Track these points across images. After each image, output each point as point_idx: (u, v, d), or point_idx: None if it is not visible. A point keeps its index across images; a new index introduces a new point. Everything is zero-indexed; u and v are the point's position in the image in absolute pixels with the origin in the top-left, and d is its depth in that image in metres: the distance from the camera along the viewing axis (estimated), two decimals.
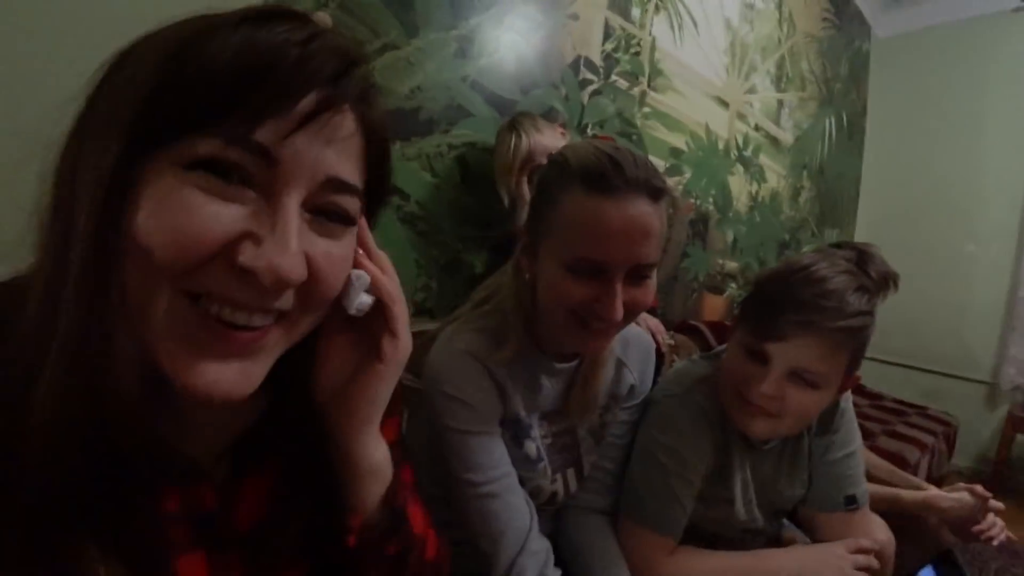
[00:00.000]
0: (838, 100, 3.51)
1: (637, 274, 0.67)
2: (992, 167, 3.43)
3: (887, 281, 1.38)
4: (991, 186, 3.43)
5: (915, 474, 2.07)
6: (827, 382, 0.77)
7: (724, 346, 0.89)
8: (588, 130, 1.76)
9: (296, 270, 0.33)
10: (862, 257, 1.35)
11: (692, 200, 2.30)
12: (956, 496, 1.18)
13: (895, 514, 1.21)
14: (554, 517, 0.90)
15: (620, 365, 0.90)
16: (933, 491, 1.24)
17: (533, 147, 1.33)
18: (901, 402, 3.08)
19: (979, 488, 1.16)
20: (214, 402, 0.33)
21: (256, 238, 0.32)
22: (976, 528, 1.13)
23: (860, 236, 3.83)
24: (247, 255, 0.31)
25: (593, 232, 0.64)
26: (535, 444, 0.81)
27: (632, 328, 0.95)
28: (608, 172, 0.64)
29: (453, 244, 1.47)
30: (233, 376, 0.34)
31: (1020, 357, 3.26)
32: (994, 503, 1.12)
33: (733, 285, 2.74)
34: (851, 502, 0.90)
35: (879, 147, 3.90)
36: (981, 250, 3.47)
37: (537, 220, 0.72)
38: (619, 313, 0.66)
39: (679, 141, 2.18)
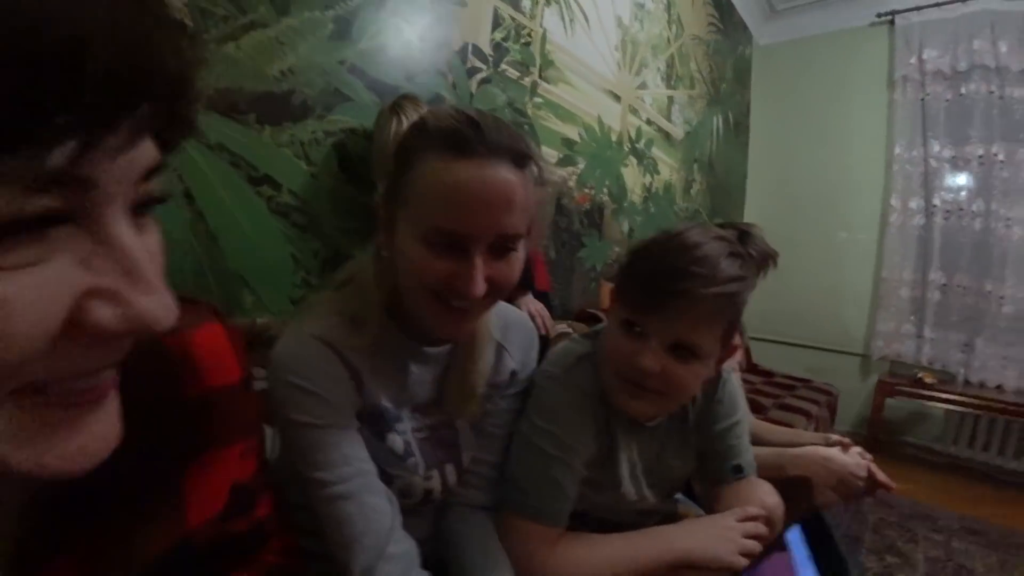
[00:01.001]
0: (725, 100, 3.65)
1: (500, 246, 0.61)
2: (857, 162, 3.73)
3: (766, 259, 1.39)
4: (858, 180, 3.73)
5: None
6: (707, 352, 0.73)
7: (603, 324, 0.84)
8: None
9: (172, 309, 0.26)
10: (743, 236, 1.36)
11: (587, 190, 2.28)
12: (837, 454, 1.20)
13: (782, 476, 1.24)
14: (434, 517, 0.81)
15: (500, 350, 0.83)
16: (819, 447, 1.26)
17: None
18: (789, 377, 3.28)
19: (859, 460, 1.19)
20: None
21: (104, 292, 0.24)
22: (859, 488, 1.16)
23: None
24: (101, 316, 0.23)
25: (449, 199, 0.58)
26: (402, 438, 0.72)
27: (513, 311, 0.88)
28: (466, 133, 0.58)
29: (335, 237, 1.35)
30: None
31: (885, 331, 3.53)
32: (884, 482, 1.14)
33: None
34: (738, 471, 0.87)
35: (762, 145, 4.12)
36: (851, 237, 3.77)
37: (394, 191, 0.64)
38: (479, 288, 0.59)
39: (572, 132, 2.15)
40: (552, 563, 0.73)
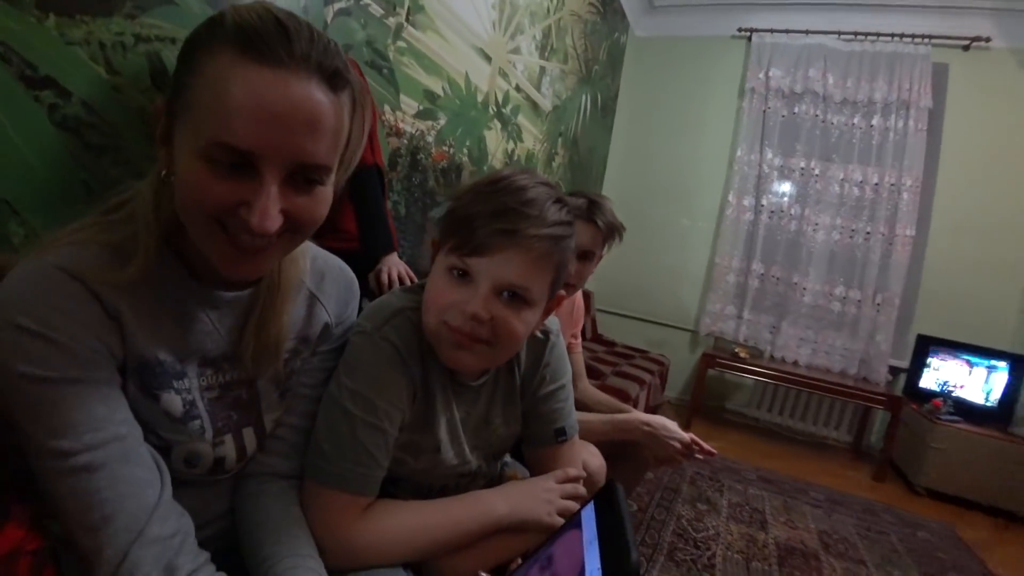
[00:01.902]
0: (595, 81, 3.70)
1: (303, 177, 0.52)
2: (705, 159, 4.04)
3: (613, 231, 1.42)
4: (703, 174, 4.05)
5: (635, 405, 2.29)
6: (536, 298, 0.69)
7: (427, 279, 0.77)
8: None
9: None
10: (592, 205, 1.37)
11: (445, 148, 2.18)
12: (656, 421, 1.27)
13: (607, 440, 1.28)
14: (232, 490, 0.70)
15: (313, 300, 0.73)
16: (637, 414, 1.32)
17: None
18: (629, 347, 3.51)
19: (677, 430, 1.27)
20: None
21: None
22: (672, 458, 1.24)
23: None
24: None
25: (239, 109, 0.47)
26: (182, 397, 0.59)
27: (333, 259, 0.78)
28: (271, 35, 0.48)
29: (140, 164, 1.13)
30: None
31: (713, 310, 3.90)
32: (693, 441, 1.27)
33: None
34: (561, 434, 0.86)
35: (625, 130, 4.29)
36: (692, 225, 4.11)
37: (175, 94, 0.52)
38: (271, 222, 0.50)
39: (436, 85, 2.02)
40: (358, 535, 0.66)
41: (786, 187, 3.78)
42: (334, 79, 0.51)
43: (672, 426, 1.29)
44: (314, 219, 0.55)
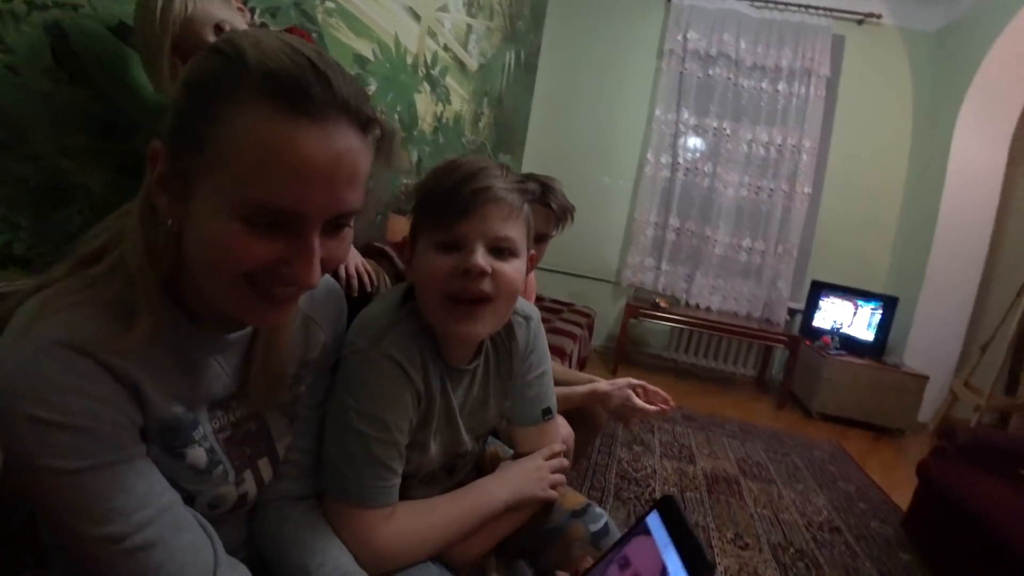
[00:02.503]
0: (519, 37, 3.59)
1: (335, 223, 0.49)
2: (625, 117, 4.09)
3: (566, 213, 1.43)
4: (623, 133, 4.11)
5: (571, 358, 2.35)
6: (520, 248, 0.74)
7: (403, 284, 0.79)
8: (255, 16, 1.33)
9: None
10: (546, 189, 1.35)
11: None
12: (616, 383, 1.31)
13: (572, 408, 1.32)
14: (249, 517, 0.68)
15: (309, 323, 0.69)
16: (599, 382, 1.36)
17: (195, 13, 0.93)
18: (556, 301, 3.58)
19: (634, 380, 1.31)
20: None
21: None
22: (634, 413, 1.28)
23: (527, 163, 4.24)
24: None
25: (283, 171, 0.43)
26: (204, 448, 0.55)
27: None
28: (311, 84, 0.43)
29: (52, 160, 0.97)
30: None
31: (633, 263, 4.05)
32: (648, 386, 1.31)
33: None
34: (547, 413, 0.91)
35: (547, 87, 4.22)
36: (613, 182, 4.17)
37: (189, 142, 0.45)
38: (317, 275, 0.48)
39: (366, 49, 1.88)
40: (385, 544, 0.68)
41: (700, 146, 3.93)
42: (365, 123, 0.48)
43: (627, 394, 1.33)
44: (341, 260, 0.53)
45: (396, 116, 2.20)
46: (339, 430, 0.70)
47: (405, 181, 2.43)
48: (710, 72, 3.83)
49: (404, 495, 0.73)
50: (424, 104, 2.44)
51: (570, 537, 0.86)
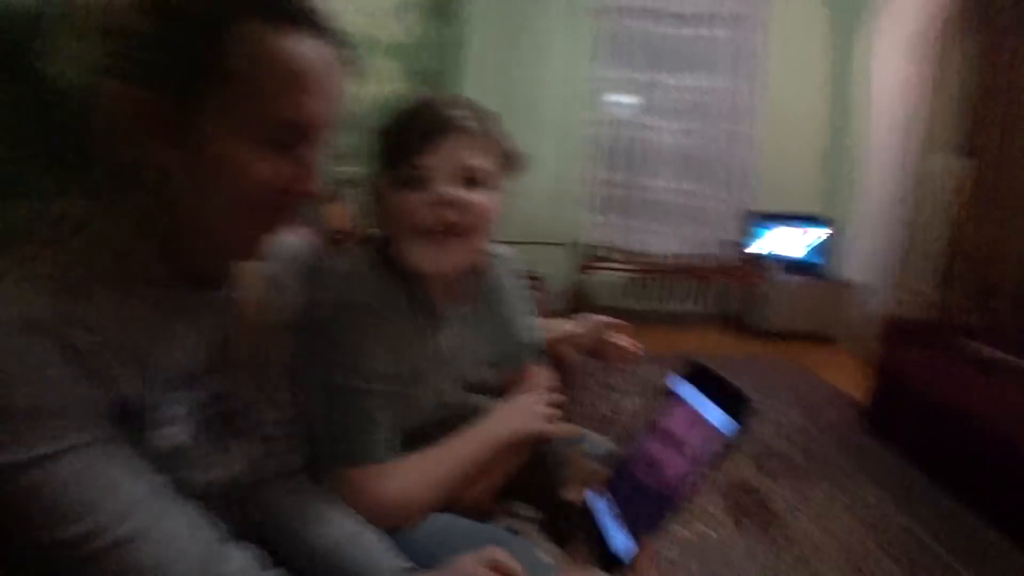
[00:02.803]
0: (446, 11, 3.50)
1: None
2: (560, 77, 4.03)
3: (514, 157, 1.42)
4: (559, 92, 4.05)
5: None
6: (491, 179, 0.72)
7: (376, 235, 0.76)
8: None
9: None
10: None
11: None
12: (585, 325, 1.29)
13: (552, 351, 1.33)
14: (247, 504, 0.62)
15: (276, 285, 0.65)
16: (567, 324, 1.36)
17: None
18: None
19: (602, 317, 1.31)
20: None
21: None
22: (611, 348, 1.29)
23: None
24: None
25: (297, 81, 0.45)
26: (180, 429, 0.50)
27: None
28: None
29: None
30: None
31: (582, 221, 4.10)
32: (617, 322, 1.25)
33: (354, 191, 2.55)
34: (533, 351, 0.92)
35: (479, 57, 4.09)
36: (553, 144, 4.11)
37: (183, 75, 0.43)
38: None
39: None
40: (397, 500, 0.66)
41: (636, 98, 3.99)
42: (338, 36, 0.49)
43: (600, 333, 1.34)
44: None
45: None
46: (330, 391, 0.67)
47: (338, 169, 2.36)
48: (642, 24, 3.90)
49: (400, 453, 0.71)
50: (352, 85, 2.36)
51: (574, 463, 0.87)
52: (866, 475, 1.86)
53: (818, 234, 3.72)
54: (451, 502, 0.72)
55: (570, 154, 4.12)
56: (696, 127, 3.96)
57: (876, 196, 3.66)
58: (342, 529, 0.60)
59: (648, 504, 0.47)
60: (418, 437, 0.77)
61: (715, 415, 0.45)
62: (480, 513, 0.78)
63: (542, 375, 0.92)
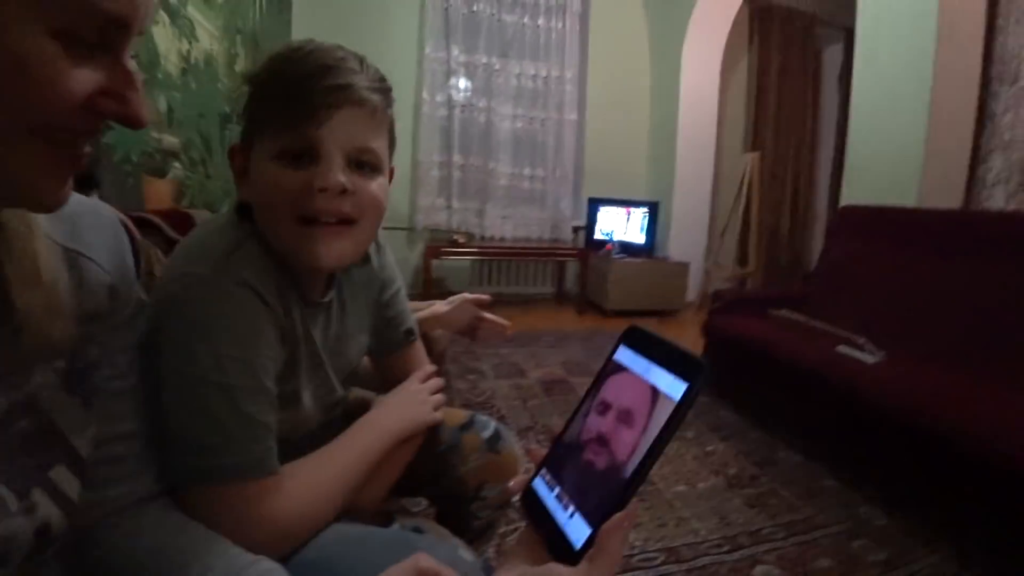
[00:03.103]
0: None
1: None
2: (394, 57, 3.88)
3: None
4: (394, 73, 3.35)
5: None
6: (382, 164, 0.63)
7: (234, 202, 0.62)
8: None
9: None
10: None
11: None
12: (453, 301, 1.24)
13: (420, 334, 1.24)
14: (81, 555, 0.46)
15: (74, 258, 0.44)
16: (437, 304, 1.29)
17: None
18: None
19: (470, 295, 1.24)
20: None
21: None
22: (482, 324, 1.25)
23: None
24: None
25: None
26: None
27: (77, 198, 0.46)
28: None
29: None
30: None
31: (425, 205, 4.03)
32: (484, 298, 1.22)
33: (177, 164, 2.19)
34: (410, 334, 0.84)
35: (306, 27, 3.78)
36: (399, 129, 3.98)
37: None
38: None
39: None
40: (282, 516, 0.54)
41: (473, 82, 3.99)
42: None
43: (469, 314, 1.30)
44: None
45: (132, 54, 1.76)
46: (190, 391, 0.52)
47: (156, 135, 1.99)
48: (474, 8, 3.89)
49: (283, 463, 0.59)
50: (165, 40, 1.99)
51: (465, 450, 0.84)
52: (708, 428, 2.06)
53: (647, 217, 4.06)
54: (345, 508, 0.62)
55: (410, 136, 4.01)
56: (533, 113, 4.10)
57: (689, 184, 4.19)
58: (229, 567, 0.45)
59: (599, 484, 0.42)
60: (300, 441, 0.65)
61: (662, 379, 0.41)
62: (377, 515, 0.70)
63: (423, 359, 0.86)
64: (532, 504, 0.45)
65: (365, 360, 0.85)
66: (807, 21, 4.59)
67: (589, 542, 0.39)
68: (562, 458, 0.46)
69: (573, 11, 4.04)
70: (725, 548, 1.36)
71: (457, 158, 3.99)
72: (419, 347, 0.86)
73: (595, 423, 0.45)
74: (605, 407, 0.45)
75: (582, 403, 0.48)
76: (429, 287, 3.69)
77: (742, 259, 4.14)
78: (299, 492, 0.56)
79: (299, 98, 0.55)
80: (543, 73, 4.05)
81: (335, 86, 0.56)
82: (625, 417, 0.43)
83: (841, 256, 2.43)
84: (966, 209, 2.39)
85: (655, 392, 0.41)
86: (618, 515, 0.39)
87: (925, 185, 2.36)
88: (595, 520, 0.39)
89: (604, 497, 0.40)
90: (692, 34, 4.00)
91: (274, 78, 0.57)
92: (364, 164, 0.59)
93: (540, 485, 0.45)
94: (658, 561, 1.29)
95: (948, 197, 2.40)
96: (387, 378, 0.82)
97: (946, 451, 1.37)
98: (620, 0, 4.31)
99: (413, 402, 0.77)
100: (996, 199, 2.41)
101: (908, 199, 2.37)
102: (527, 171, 4.13)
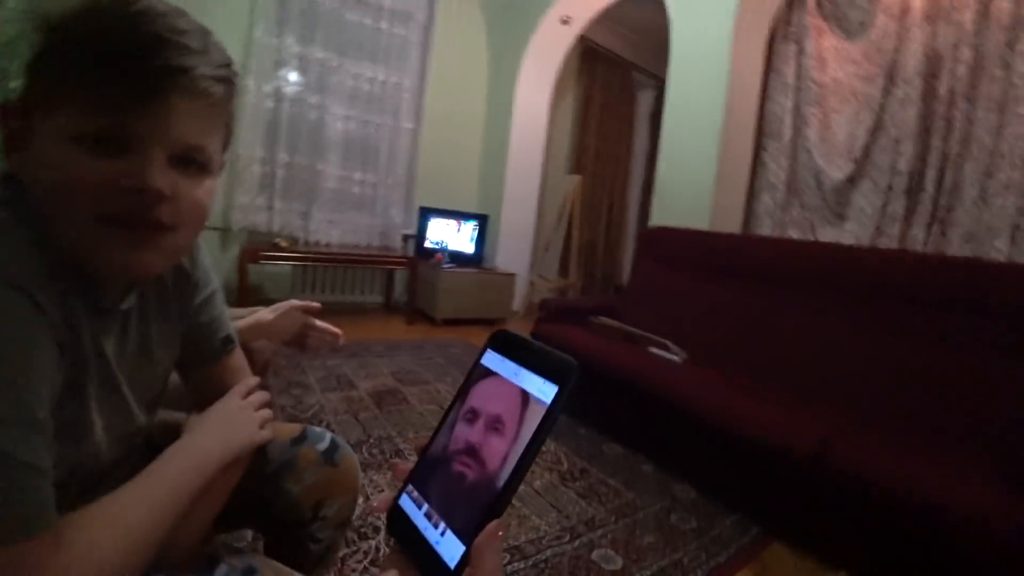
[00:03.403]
0: None
1: None
2: (220, 39, 3.47)
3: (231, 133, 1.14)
4: None
5: None
6: (213, 164, 0.53)
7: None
8: None
9: None
10: None
11: None
12: (279, 308, 1.13)
13: (240, 344, 1.11)
14: None
15: None
16: (261, 311, 1.18)
17: None
18: None
19: (298, 302, 1.15)
20: None
21: None
22: (312, 333, 1.15)
23: None
24: None
25: None
26: None
27: None
28: None
29: None
30: None
31: (242, 203, 3.65)
32: (314, 305, 1.12)
33: None
34: (228, 343, 0.73)
35: None
36: None
37: None
38: None
39: None
40: (70, 572, 0.43)
41: (306, 76, 3.72)
42: None
43: (298, 322, 1.20)
44: None
45: None
46: None
47: None
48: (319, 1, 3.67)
49: (67, 511, 0.46)
50: None
51: (300, 465, 0.76)
52: None
53: (476, 229, 4.20)
54: (158, 556, 0.51)
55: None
56: (368, 117, 3.97)
57: (517, 200, 4.48)
58: None
59: (471, 497, 0.40)
60: (94, 484, 0.53)
61: (532, 382, 0.41)
62: (197, 558, 0.58)
63: (245, 370, 0.75)
64: (400, 524, 0.41)
65: (173, 375, 0.72)
66: (627, 67, 5.35)
67: (464, 560, 0.37)
68: (430, 472, 0.43)
69: (418, 20, 4.03)
70: (565, 539, 1.46)
71: (282, 155, 3.66)
72: (239, 356, 0.75)
73: (464, 432, 0.43)
74: (474, 415, 0.43)
75: (448, 412, 0.46)
76: (245, 294, 3.32)
77: (563, 271, 4.48)
78: (89, 546, 0.45)
79: (119, 75, 0.44)
80: (381, 77, 3.95)
81: (169, 68, 0.45)
82: (495, 424, 0.41)
83: (646, 270, 2.82)
84: (745, 233, 3.14)
85: (525, 396, 0.40)
86: (490, 525, 0.37)
87: (716, 212, 2.93)
88: (468, 537, 0.38)
89: (477, 511, 0.38)
90: (528, 60, 4.27)
91: (86, 38, 0.44)
92: (191, 163, 0.50)
93: (407, 503, 0.42)
94: (504, 561, 1.32)
95: (731, 223, 3.07)
96: (202, 395, 0.70)
97: (728, 434, 1.66)
98: (464, 17, 4.43)
99: (236, 421, 0.66)
100: (764, 227, 3.24)
101: (703, 223, 2.90)
102: (358, 175, 3.97)
